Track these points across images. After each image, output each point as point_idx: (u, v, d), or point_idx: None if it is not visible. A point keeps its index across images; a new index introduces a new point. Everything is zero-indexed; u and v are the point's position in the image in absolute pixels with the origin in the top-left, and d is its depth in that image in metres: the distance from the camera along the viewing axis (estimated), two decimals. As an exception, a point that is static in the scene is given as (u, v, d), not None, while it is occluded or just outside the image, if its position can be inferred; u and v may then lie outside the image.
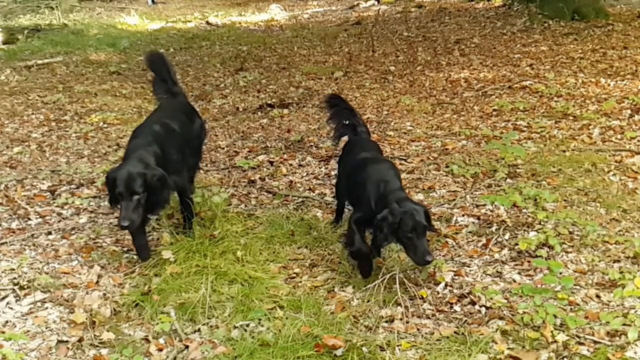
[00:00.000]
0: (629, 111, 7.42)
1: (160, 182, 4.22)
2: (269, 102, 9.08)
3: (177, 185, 4.59)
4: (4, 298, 4.01)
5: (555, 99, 8.16)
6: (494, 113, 7.85)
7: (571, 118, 7.39)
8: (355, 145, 4.81)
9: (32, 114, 8.71)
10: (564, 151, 6.30)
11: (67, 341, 3.58)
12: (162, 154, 4.43)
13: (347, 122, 4.97)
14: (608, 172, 5.76)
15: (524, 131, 7.04)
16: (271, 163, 6.60)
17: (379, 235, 3.99)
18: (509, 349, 3.38)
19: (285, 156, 6.80)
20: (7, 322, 3.79)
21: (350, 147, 4.86)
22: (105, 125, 8.13)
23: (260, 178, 6.19)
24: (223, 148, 7.22)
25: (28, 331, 3.70)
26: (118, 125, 8.11)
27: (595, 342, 3.44)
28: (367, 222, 4.11)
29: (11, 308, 3.92)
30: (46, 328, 3.73)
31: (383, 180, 4.13)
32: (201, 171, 6.21)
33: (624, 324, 3.51)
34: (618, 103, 7.71)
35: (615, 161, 5.99)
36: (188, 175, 5.02)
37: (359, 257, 4.16)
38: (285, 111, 8.61)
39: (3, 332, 3.64)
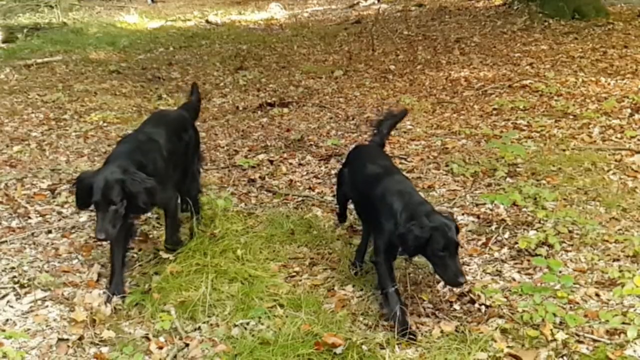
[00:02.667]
0: (629, 110, 7.42)
1: (142, 185, 3.87)
2: (268, 101, 9.08)
3: (161, 198, 4.18)
4: (4, 296, 4.02)
5: (556, 98, 8.16)
6: (494, 112, 7.85)
7: (571, 117, 7.40)
8: (361, 155, 4.51)
9: (32, 112, 8.71)
10: (564, 150, 6.31)
11: (67, 339, 3.59)
12: (145, 163, 4.09)
13: (375, 130, 4.78)
14: (608, 171, 5.77)
15: (524, 130, 7.04)
16: (271, 162, 6.60)
17: (399, 247, 3.66)
18: (508, 347, 3.39)
19: (285, 155, 6.80)
20: (7, 320, 3.79)
21: (356, 156, 4.56)
22: (105, 124, 8.14)
23: (260, 177, 6.20)
24: (223, 147, 7.22)
25: (28, 329, 3.70)
26: (118, 124, 8.11)
27: (594, 340, 3.45)
28: (395, 248, 3.74)
29: (12, 306, 3.93)
30: (46, 326, 3.73)
31: (406, 192, 3.83)
32: (201, 170, 6.23)
33: (623, 323, 3.53)
34: (618, 102, 7.71)
35: (615, 160, 5.99)
36: (191, 188, 4.88)
37: (393, 301, 3.66)
38: (285, 110, 8.61)
39: (4, 330, 3.65)
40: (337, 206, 4.95)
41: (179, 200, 4.65)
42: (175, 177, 4.62)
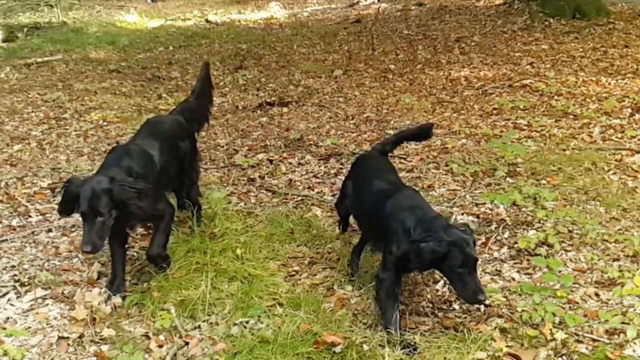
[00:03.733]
0: (629, 110, 7.43)
1: (133, 190, 3.73)
2: (268, 100, 9.09)
3: (153, 211, 4.00)
4: (5, 295, 4.03)
5: (556, 97, 8.16)
6: (494, 112, 7.85)
7: (571, 117, 7.40)
8: (366, 169, 4.30)
9: (32, 111, 8.72)
10: (564, 150, 6.31)
11: (67, 337, 3.59)
12: (136, 171, 3.96)
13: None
14: (608, 170, 5.77)
15: (524, 130, 7.04)
16: (271, 161, 6.60)
17: (413, 261, 3.44)
18: (507, 346, 3.38)
19: (284, 155, 6.81)
20: (8, 318, 3.80)
21: (360, 169, 4.35)
22: (105, 123, 8.14)
23: (259, 176, 6.20)
24: (222, 146, 7.22)
25: (29, 327, 3.71)
26: (118, 124, 8.12)
27: (594, 340, 3.45)
28: (405, 266, 3.56)
29: (12, 305, 3.93)
30: (47, 324, 3.74)
31: (418, 207, 3.67)
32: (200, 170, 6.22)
33: (622, 322, 3.53)
34: (618, 102, 7.71)
35: (616, 160, 5.99)
36: (191, 194, 4.81)
37: (392, 323, 3.53)
38: (285, 109, 8.62)
39: (4, 328, 3.65)
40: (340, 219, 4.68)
41: (175, 214, 4.44)
42: (171, 187, 4.57)
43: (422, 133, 4.72)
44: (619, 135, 6.69)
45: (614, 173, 5.71)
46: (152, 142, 4.35)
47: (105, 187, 3.66)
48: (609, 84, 8.61)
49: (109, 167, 3.94)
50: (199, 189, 5.05)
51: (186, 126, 4.88)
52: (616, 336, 3.48)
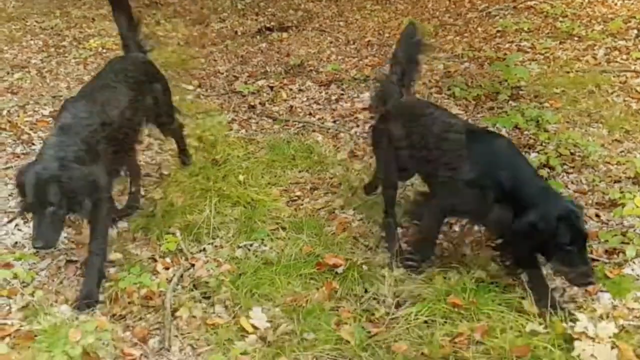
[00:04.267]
0: (635, 31, 7.28)
1: (84, 180, 3.23)
2: (267, 25, 8.95)
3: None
4: (12, 220, 4.07)
5: (561, 19, 8.00)
6: (498, 34, 7.72)
7: (576, 39, 7.27)
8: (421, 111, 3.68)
9: (31, 39, 8.59)
10: (568, 72, 6.24)
11: (76, 261, 3.67)
12: (86, 147, 3.34)
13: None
14: (612, 93, 5.73)
15: (527, 52, 6.94)
16: (271, 88, 6.55)
17: (517, 246, 3.10)
18: (507, 266, 3.44)
19: (285, 81, 6.74)
20: (16, 242, 3.87)
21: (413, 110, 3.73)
22: (104, 51, 8.03)
23: (260, 103, 6.17)
24: (222, 73, 7.15)
25: (37, 252, 3.76)
26: (117, 51, 7.99)
27: (593, 259, 3.49)
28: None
29: (20, 229, 3.99)
30: (55, 249, 3.79)
31: (513, 166, 3.17)
32: (201, 97, 6.19)
33: (622, 242, 3.60)
34: (624, 23, 7.55)
35: (620, 82, 5.94)
36: (173, 132, 4.53)
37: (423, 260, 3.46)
38: (285, 35, 8.48)
39: (13, 253, 3.72)
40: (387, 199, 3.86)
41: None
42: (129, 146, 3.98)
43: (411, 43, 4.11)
44: (624, 57, 6.59)
45: (618, 95, 5.67)
46: (111, 92, 3.78)
47: (54, 174, 3.12)
48: (615, 4, 8.41)
49: (57, 144, 3.30)
50: (180, 124, 4.61)
51: (152, 65, 4.39)
52: (615, 256, 3.54)
